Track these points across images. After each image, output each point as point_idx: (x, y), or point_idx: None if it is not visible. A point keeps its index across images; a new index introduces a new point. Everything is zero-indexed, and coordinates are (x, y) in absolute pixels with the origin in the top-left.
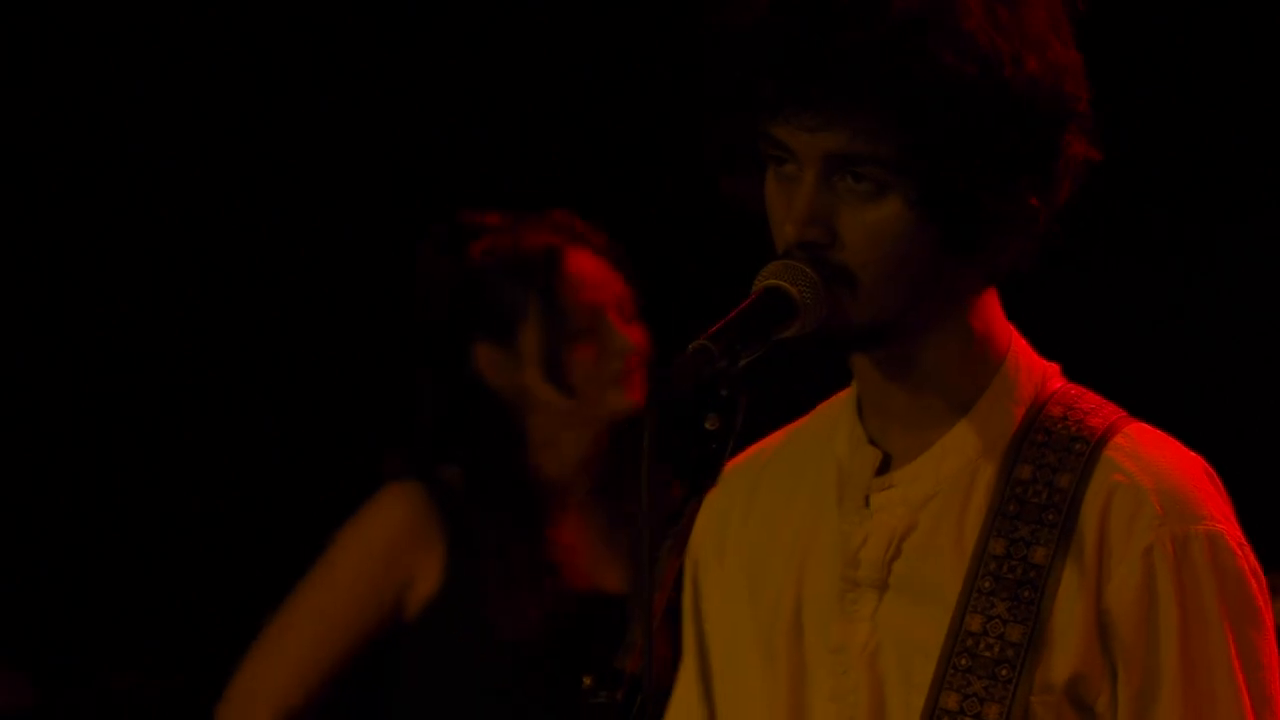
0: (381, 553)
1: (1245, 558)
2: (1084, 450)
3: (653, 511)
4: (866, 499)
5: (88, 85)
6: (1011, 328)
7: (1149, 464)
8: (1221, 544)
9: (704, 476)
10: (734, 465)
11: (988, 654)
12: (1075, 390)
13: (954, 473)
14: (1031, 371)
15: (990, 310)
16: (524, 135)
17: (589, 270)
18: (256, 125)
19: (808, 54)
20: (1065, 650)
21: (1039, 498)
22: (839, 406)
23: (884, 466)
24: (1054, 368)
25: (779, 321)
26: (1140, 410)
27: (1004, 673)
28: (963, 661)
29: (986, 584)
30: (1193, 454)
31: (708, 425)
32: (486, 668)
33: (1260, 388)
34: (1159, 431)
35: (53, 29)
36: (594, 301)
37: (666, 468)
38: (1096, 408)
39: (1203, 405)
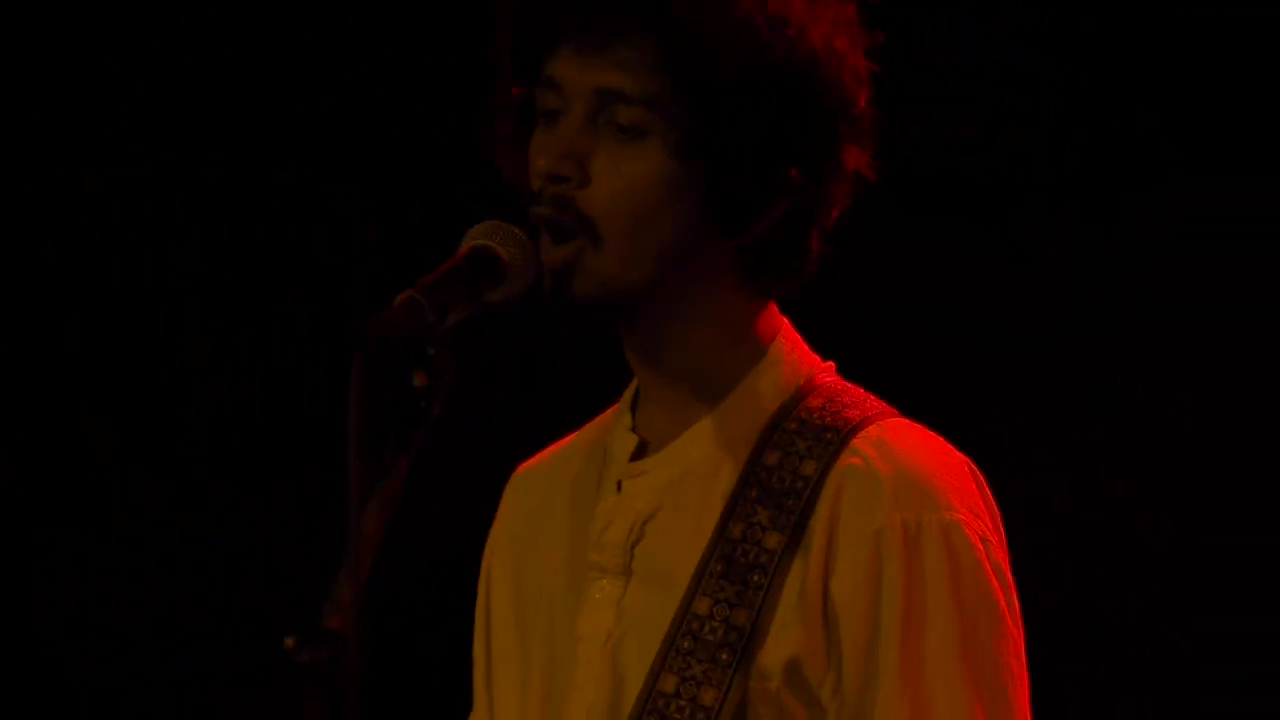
0: None
1: (986, 552)
2: (834, 439)
3: (360, 469)
4: (620, 484)
5: (88, 85)
6: (784, 320)
7: (891, 452)
8: (958, 534)
9: (411, 435)
10: (522, 469)
11: (711, 637)
12: (843, 385)
13: (702, 457)
14: (798, 364)
15: (756, 299)
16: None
17: None
18: (256, 125)
19: None
20: (786, 637)
21: (782, 484)
22: (623, 402)
23: (642, 453)
24: (828, 365)
25: (487, 282)
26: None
27: (725, 657)
28: (686, 644)
29: (719, 567)
30: (956, 452)
31: (415, 382)
32: None
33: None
34: (923, 428)
35: (53, 29)
36: None
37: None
38: (859, 401)
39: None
